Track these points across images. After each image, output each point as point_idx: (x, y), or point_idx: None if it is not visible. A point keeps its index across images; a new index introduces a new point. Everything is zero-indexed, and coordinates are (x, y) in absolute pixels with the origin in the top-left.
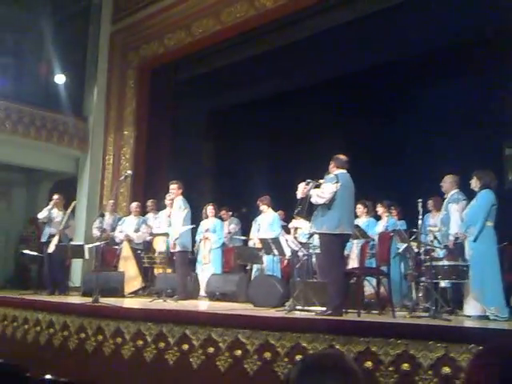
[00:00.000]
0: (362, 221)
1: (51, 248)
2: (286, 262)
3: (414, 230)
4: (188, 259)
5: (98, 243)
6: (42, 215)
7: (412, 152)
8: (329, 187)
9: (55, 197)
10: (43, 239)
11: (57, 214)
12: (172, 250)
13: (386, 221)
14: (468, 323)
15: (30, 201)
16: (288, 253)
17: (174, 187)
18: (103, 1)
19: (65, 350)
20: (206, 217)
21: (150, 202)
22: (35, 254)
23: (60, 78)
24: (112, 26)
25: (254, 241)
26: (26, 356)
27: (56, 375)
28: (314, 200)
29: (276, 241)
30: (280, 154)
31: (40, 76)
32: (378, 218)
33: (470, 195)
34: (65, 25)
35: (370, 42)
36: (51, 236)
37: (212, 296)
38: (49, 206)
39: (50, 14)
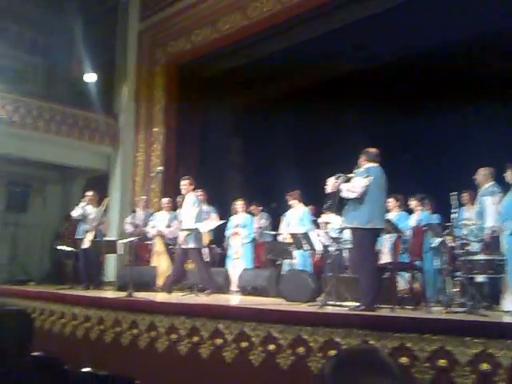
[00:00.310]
0: (393, 215)
1: (86, 244)
2: (317, 256)
3: (448, 223)
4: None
5: (130, 239)
6: (75, 213)
7: (446, 145)
8: (360, 181)
9: (89, 194)
10: (78, 235)
11: (91, 211)
12: (183, 246)
13: (419, 214)
14: (506, 318)
15: (64, 197)
16: (319, 247)
17: (185, 183)
18: None
19: (101, 344)
20: (236, 212)
21: (179, 198)
22: (70, 249)
23: (90, 77)
24: (140, 24)
25: (284, 236)
26: (64, 349)
27: (93, 368)
28: (344, 194)
29: (307, 236)
30: (310, 148)
31: (71, 75)
32: (409, 211)
33: (504, 188)
34: (93, 24)
35: (401, 32)
36: (86, 232)
37: (243, 290)
38: (82, 204)
39: (79, 14)
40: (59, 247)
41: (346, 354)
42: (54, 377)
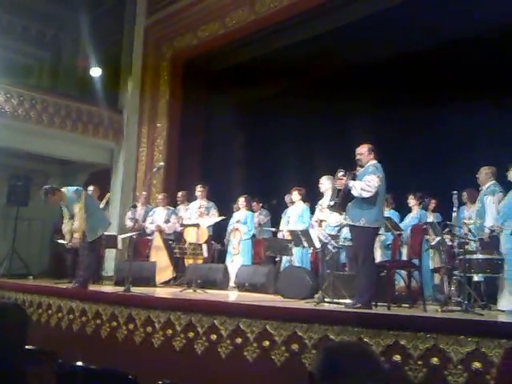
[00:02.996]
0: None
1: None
2: (315, 254)
3: (448, 222)
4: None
5: (130, 234)
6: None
7: (448, 143)
8: (374, 180)
9: (90, 188)
10: None
11: None
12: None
13: (417, 213)
14: (501, 318)
15: None
16: (318, 245)
17: None
18: None
19: (97, 338)
20: (238, 208)
21: (180, 194)
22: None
23: (95, 72)
24: (146, 20)
25: (284, 233)
26: (60, 343)
27: (88, 362)
28: (357, 193)
29: (305, 233)
30: (310, 145)
31: (76, 69)
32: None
33: (506, 188)
34: (100, 18)
35: (399, 31)
36: None
37: (241, 287)
38: None
39: (86, 8)
40: (59, 241)
41: (333, 348)
42: (47, 370)
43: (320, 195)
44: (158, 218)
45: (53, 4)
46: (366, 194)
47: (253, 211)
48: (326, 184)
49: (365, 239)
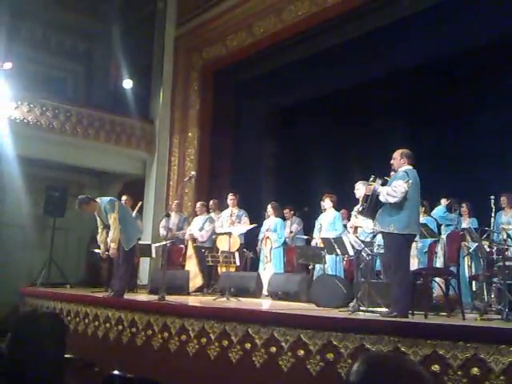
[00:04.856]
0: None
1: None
2: (349, 261)
3: (486, 228)
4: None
5: (164, 242)
6: None
7: (484, 148)
8: (401, 185)
9: (123, 198)
10: None
11: None
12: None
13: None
14: None
15: None
16: (351, 252)
17: None
18: (167, 6)
19: (133, 346)
20: (268, 216)
21: (211, 202)
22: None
23: (127, 83)
24: (176, 30)
25: (317, 240)
26: (97, 351)
27: (124, 371)
28: (383, 199)
29: (339, 240)
30: (342, 152)
31: (109, 81)
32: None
33: None
34: (131, 31)
35: (435, 35)
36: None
37: (274, 295)
38: None
39: (118, 22)
40: (95, 250)
41: (373, 361)
42: (85, 378)
43: (356, 201)
44: (195, 226)
45: (84, 18)
46: (391, 200)
47: (284, 218)
48: (361, 189)
49: (396, 246)
